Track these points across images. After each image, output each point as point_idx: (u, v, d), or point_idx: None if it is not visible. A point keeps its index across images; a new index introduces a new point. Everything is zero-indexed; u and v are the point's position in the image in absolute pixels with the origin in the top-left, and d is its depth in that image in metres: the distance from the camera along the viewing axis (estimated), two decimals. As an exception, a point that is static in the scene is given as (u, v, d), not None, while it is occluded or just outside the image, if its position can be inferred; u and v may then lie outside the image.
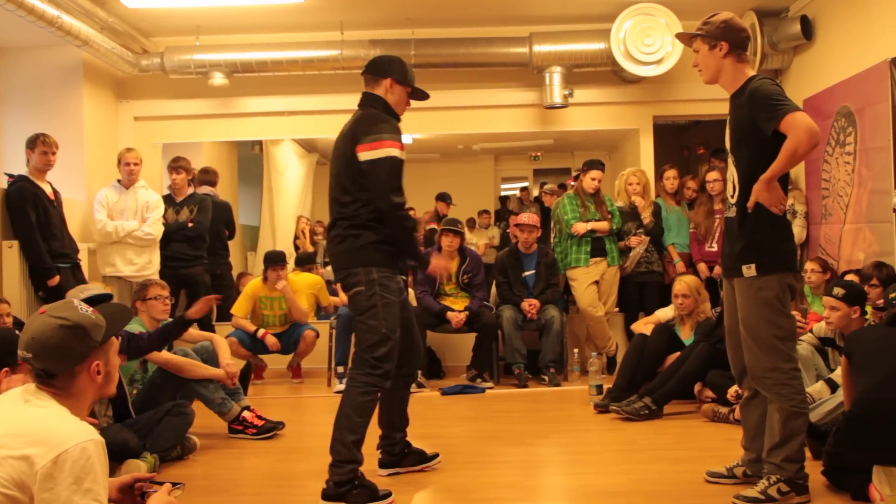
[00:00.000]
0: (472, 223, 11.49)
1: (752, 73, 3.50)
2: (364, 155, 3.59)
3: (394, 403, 4.01)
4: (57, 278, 5.59)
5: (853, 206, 6.12)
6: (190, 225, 6.86)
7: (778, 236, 3.42)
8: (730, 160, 3.54)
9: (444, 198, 10.69)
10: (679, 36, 3.71)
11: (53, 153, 5.78)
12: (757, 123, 3.31)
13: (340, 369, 6.49)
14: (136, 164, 6.55)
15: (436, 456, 4.12)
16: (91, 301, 4.09)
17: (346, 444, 3.54)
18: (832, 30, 6.62)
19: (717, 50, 3.45)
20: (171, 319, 4.91)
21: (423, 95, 3.92)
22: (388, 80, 3.78)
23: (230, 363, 4.89)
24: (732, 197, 3.49)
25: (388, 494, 3.60)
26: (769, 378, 3.40)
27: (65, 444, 1.97)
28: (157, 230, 6.57)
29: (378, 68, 3.82)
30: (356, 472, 3.55)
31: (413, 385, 6.17)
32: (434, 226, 9.80)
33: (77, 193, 6.88)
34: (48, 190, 5.80)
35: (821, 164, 6.65)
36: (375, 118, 3.68)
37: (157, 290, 4.98)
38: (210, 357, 4.89)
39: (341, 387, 6.29)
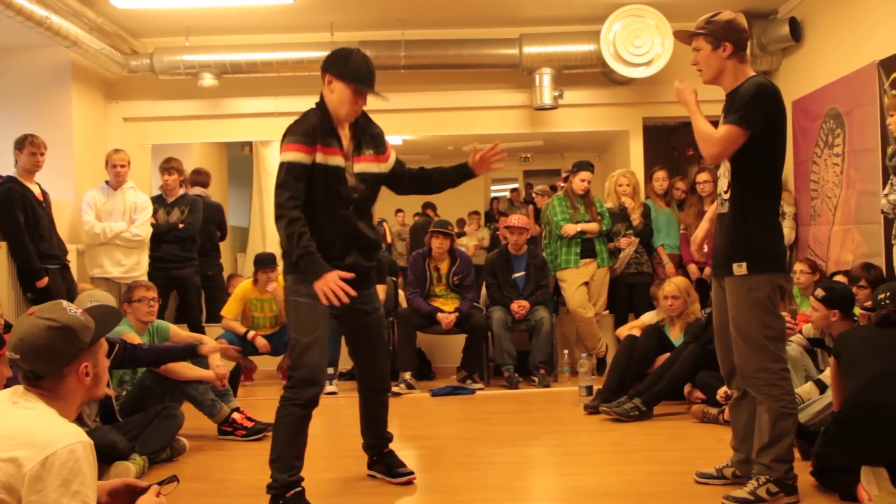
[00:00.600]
0: (461, 223, 11.52)
1: (751, 72, 3.50)
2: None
3: (365, 414, 4.00)
4: (45, 280, 5.56)
5: (842, 207, 6.15)
6: (181, 226, 6.84)
7: (769, 236, 3.43)
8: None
9: (430, 206, 10.72)
10: (678, 34, 3.67)
11: (42, 154, 5.75)
12: None
13: (330, 371, 6.47)
14: (122, 166, 6.52)
15: (410, 473, 3.93)
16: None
17: (270, 463, 3.50)
18: (820, 32, 6.65)
19: (720, 51, 3.44)
20: (182, 344, 4.81)
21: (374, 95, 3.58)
22: (327, 76, 3.53)
23: (220, 364, 4.88)
24: (725, 193, 3.50)
25: None
26: (759, 378, 3.40)
27: (53, 447, 1.96)
28: (146, 231, 6.55)
29: (323, 63, 3.57)
30: (281, 491, 3.43)
31: (403, 386, 6.26)
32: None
33: (66, 194, 6.85)
34: (37, 191, 5.77)
35: (809, 166, 6.68)
36: (291, 127, 3.54)
37: (143, 292, 4.96)
38: (198, 361, 4.88)
39: (330, 388, 6.32)
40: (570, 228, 6.82)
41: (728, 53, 3.44)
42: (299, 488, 3.47)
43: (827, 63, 6.47)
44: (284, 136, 3.51)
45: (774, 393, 3.37)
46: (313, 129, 3.48)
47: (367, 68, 3.55)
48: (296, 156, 3.44)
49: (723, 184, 3.55)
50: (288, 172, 3.43)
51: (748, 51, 3.56)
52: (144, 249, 6.65)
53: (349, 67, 3.49)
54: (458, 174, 4.02)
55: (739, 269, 3.38)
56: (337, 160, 3.52)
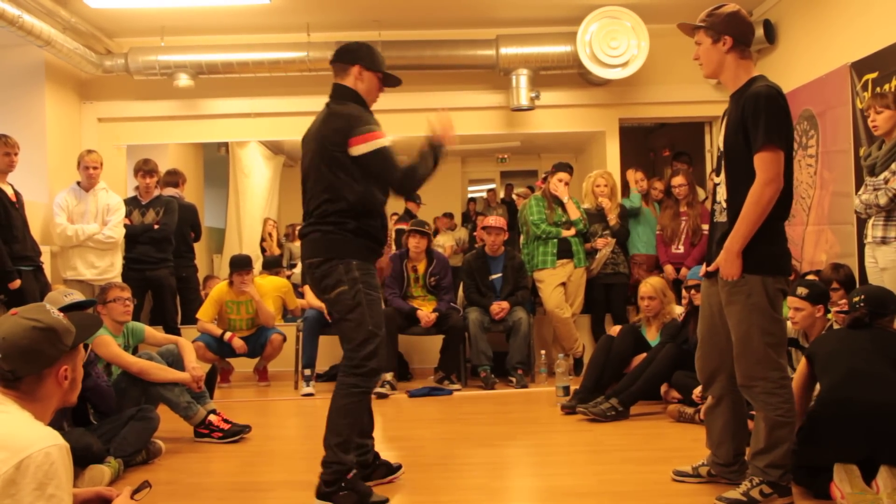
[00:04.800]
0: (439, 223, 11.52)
1: (755, 72, 3.44)
2: (359, 149, 3.50)
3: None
4: (18, 282, 5.49)
5: (815, 208, 6.21)
6: (156, 227, 6.79)
7: (768, 240, 3.32)
8: (723, 162, 3.44)
9: (412, 198, 10.68)
10: (681, 27, 3.54)
11: (16, 154, 5.69)
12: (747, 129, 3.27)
13: (308, 372, 6.47)
14: (95, 168, 6.47)
15: (399, 467, 3.99)
16: (75, 307, 4.10)
17: (330, 446, 3.51)
18: (794, 34, 6.71)
19: (720, 44, 3.38)
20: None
21: (394, 81, 3.81)
22: (357, 67, 3.67)
23: (196, 366, 4.85)
24: (725, 202, 3.41)
25: (383, 502, 3.55)
26: (756, 386, 3.34)
27: (28, 450, 1.94)
28: (119, 233, 6.51)
29: (346, 55, 3.70)
30: (342, 474, 3.48)
31: (388, 387, 6.25)
32: (403, 226, 9.80)
33: (39, 195, 6.78)
34: (9, 191, 5.69)
35: (784, 167, 6.73)
36: (358, 114, 3.59)
37: (118, 293, 4.92)
38: (175, 360, 4.85)
39: (308, 389, 6.32)
40: (566, 233, 6.88)
41: (728, 47, 3.38)
42: (356, 470, 3.56)
43: (800, 65, 6.54)
44: (360, 124, 3.54)
45: (772, 401, 3.32)
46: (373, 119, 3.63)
47: (382, 56, 3.81)
48: (387, 141, 3.56)
49: (721, 192, 3.45)
50: (392, 154, 3.55)
51: (750, 46, 3.45)
52: (118, 251, 6.61)
53: (377, 58, 3.74)
54: None
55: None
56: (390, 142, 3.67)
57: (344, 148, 3.51)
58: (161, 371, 4.70)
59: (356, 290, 3.51)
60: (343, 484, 3.48)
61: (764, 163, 3.21)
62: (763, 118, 3.22)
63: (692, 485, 3.69)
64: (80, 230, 6.33)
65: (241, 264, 6.76)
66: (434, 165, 3.63)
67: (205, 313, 6.73)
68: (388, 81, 3.80)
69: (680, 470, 3.79)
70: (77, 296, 4.43)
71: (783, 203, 3.34)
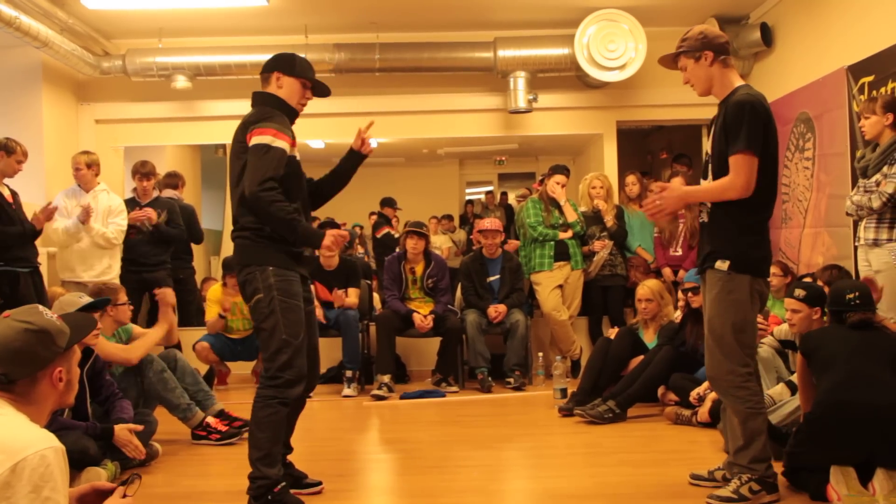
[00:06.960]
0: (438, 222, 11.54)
1: (739, 81, 3.54)
2: (252, 140, 3.46)
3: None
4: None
5: (812, 210, 6.22)
6: (164, 225, 6.74)
7: (749, 241, 3.42)
8: (710, 166, 3.53)
9: (389, 203, 10.68)
10: (662, 60, 3.68)
11: (24, 162, 5.70)
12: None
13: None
14: (78, 169, 6.33)
15: (317, 484, 3.82)
16: (90, 307, 4.09)
17: (252, 461, 3.45)
18: (791, 37, 6.72)
19: (702, 60, 3.50)
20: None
21: (321, 89, 3.77)
22: (276, 74, 3.65)
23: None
24: (708, 203, 3.51)
25: None
26: (725, 381, 3.44)
27: (23, 452, 1.93)
28: (123, 234, 6.49)
29: (268, 65, 3.71)
30: (268, 489, 3.41)
31: (385, 389, 6.23)
32: (389, 230, 9.84)
33: (36, 197, 6.76)
34: (6, 193, 5.69)
35: (781, 170, 6.73)
36: (264, 111, 3.59)
37: (124, 296, 4.90)
38: (175, 366, 4.85)
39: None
40: (563, 235, 6.88)
41: (710, 61, 3.49)
42: (285, 482, 3.49)
43: (797, 68, 6.55)
44: (261, 121, 3.51)
45: (741, 395, 3.41)
46: (284, 121, 3.58)
47: (309, 63, 3.76)
48: (285, 145, 3.48)
49: None
50: (278, 159, 3.43)
51: (730, 55, 3.57)
52: (116, 252, 6.59)
53: (298, 64, 3.70)
54: (349, 162, 3.97)
55: (722, 264, 3.39)
56: (295, 152, 3.62)
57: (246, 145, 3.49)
58: (148, 340, 4.76)
59: (271, 298, 3.45)
60: (269, 497, 3.42)
61: (738, 166, 3.34)
62: (745, 126, 3.33)
63: (688, 487, 3.69)
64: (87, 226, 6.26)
65: (232, 266, 6.76)
66: (286, 230, 3.45)
67: (211, 313, 6.78)
68: (316, 90, 3.77)
69: (696, 473, 3.77)
70: (88, 298, 4.40)
71: (766, 204, 3.48)
